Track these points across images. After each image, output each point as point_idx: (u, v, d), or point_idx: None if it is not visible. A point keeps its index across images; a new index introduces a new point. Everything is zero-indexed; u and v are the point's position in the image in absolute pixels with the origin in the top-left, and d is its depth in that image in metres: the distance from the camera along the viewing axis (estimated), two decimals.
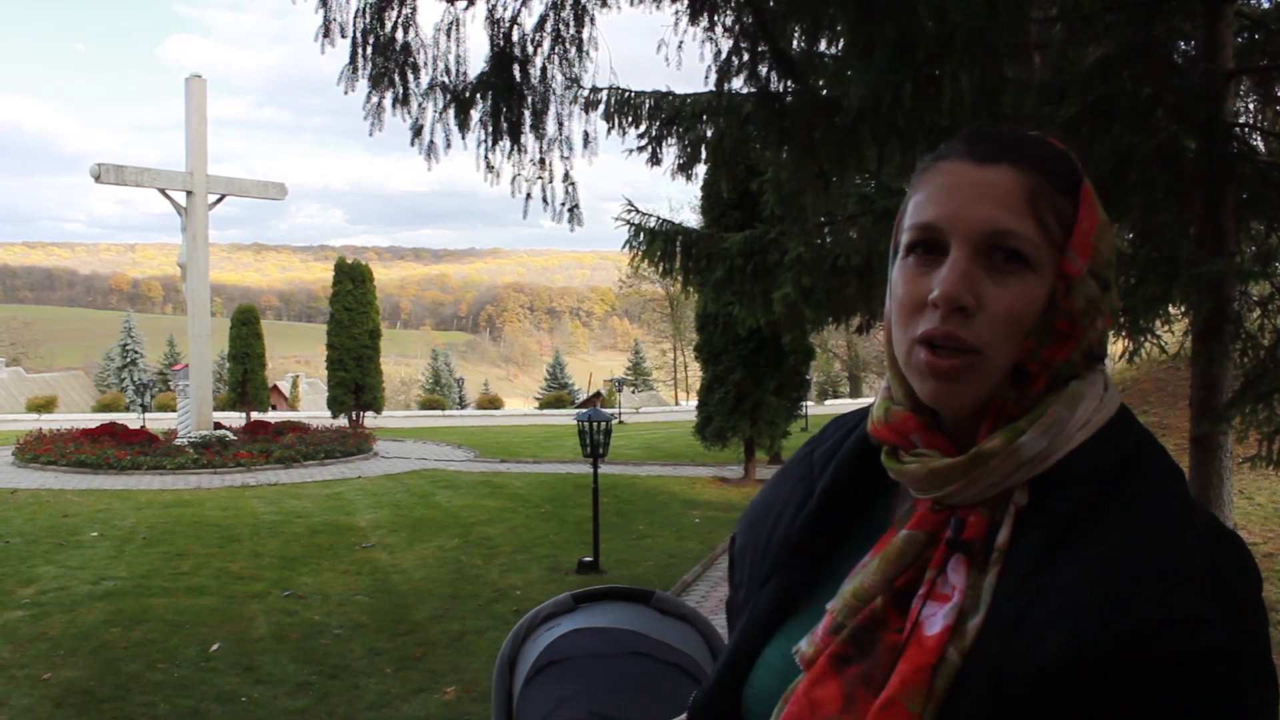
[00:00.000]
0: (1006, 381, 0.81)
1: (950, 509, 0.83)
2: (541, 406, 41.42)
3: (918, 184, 0.87)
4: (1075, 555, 0.75)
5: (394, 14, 5.87)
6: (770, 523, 0.97)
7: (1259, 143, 7.21)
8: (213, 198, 18.00)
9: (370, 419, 24.69)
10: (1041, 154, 0.84)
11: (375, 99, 6.00)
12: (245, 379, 25.56)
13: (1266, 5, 7.29)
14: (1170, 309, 6.41)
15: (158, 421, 23.35)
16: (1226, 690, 0.71)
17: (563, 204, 6.45)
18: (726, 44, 5.77)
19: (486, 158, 6.17)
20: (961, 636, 0.76)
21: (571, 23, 5.98)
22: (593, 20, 6.05)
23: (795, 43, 5.81)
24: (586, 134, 6.66)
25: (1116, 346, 7.43)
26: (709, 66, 5.88)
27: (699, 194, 15.40)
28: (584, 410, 9.69)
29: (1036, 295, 0.80)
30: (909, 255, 0.84)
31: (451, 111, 6.08)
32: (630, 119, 7.52)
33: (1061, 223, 0.82)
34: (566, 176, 6.42)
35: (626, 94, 7.53)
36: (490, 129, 6.10)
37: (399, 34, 5.91)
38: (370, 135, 6.01)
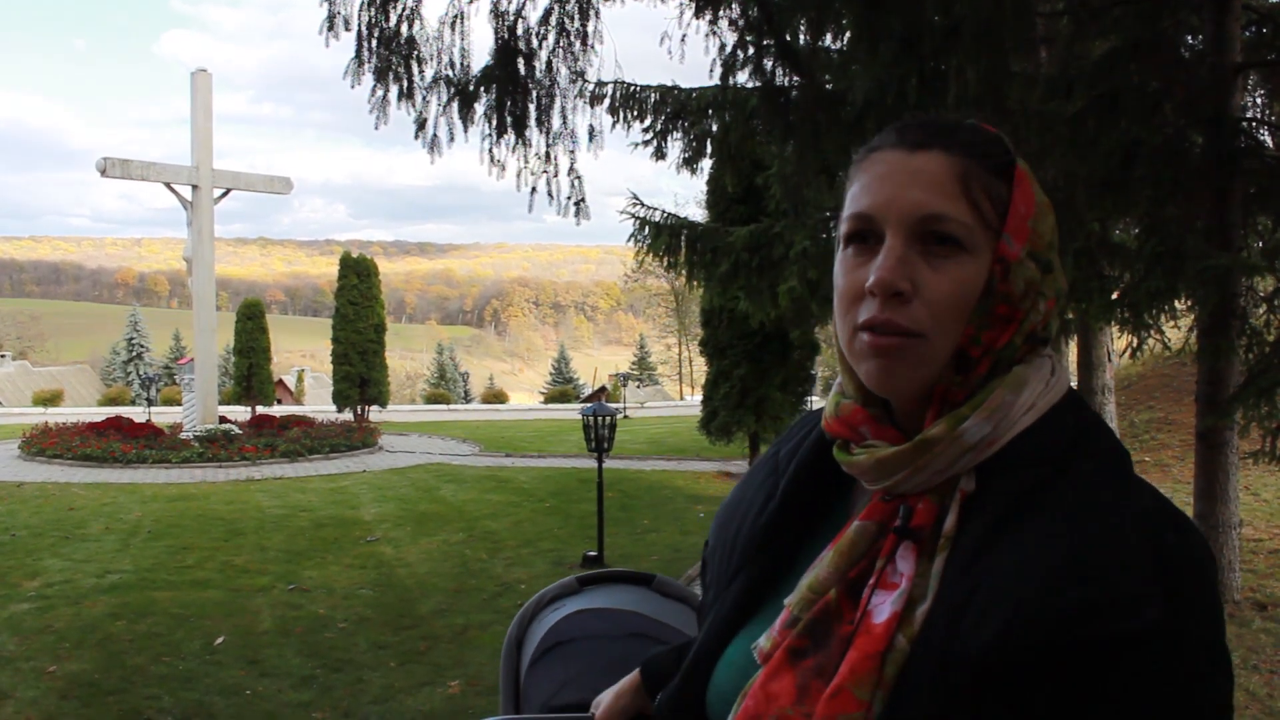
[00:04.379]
0: (949, 367, 0.80)
1: (900, 498, 0.82)
2: (546, 401, 41.39)
3: (854, 176, 0.86)
4: (1017, 539, 0.74)
5: (399, 7, 5.86)
6: (737, 522, 0.97)
7: (1266, 137, 7.17)
8: (218, 192, 17.99)
9: (375, 413, 24.70)
10: (973, 138, 0.84)
11: (380, 92, 6.00)
12: (250, 373, 25.55)
13: None
14: (1176, 303, 6.39)
15: (163, 415, 23.37)
16: (1170, 670, 0.69)
17: (568, 198, 6.45)
18: (731, 38, 5.77)
19: (491, 151, 6.18)
20: (910, 624, 0.75)
21: (576, 16, 5.96)
22: (597, 14, 6.04)
23: (800, 36, 5.80)
24: (592, 127, 6.67)
25: (1120, 342, 7.40)
26: (714, 60, 5.88)
27: (704, 189, 15.39)
28: (589, 405, 9.68)
29: (973, 278, 0.80)
30: (848, 246, 0.84)
31: (455, 105, 6.08)
32: (635, 113, 7.51)
33: (996, 206, 0.81)
34: (572, 170, 6.43)
35: (632, 88, 7.52)
36: (494, 122, 6.10)
37: (404, 27, 5.91)
38: (375, 129, 6.02)
